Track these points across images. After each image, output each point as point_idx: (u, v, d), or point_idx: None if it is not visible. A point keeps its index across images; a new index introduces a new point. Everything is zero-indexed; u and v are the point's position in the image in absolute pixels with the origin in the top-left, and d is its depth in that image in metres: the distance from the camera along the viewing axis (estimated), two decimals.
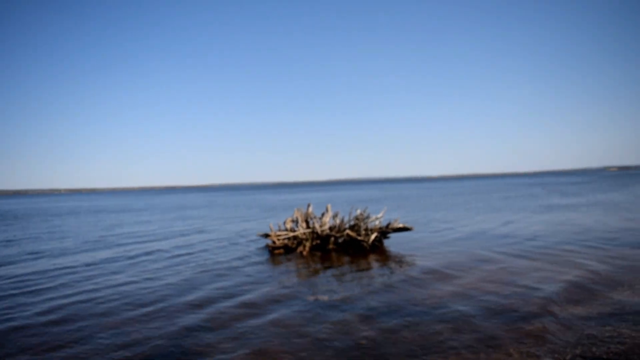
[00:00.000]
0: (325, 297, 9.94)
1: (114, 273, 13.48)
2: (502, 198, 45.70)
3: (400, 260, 14.11)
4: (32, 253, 18.23)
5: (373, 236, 16.25)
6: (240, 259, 15.30)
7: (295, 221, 17.40)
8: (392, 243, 17.33)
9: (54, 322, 8.73)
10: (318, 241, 16.63)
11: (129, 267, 14.45)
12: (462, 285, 10.57)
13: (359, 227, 16.70)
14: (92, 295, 10.84)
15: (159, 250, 17.81)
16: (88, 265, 15.05)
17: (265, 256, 15.74)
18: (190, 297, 10.37)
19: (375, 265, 13.69)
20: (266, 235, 16.91)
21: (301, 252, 16.05)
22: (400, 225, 16.89)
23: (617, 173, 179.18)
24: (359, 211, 17.25)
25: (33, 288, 11.78)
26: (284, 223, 17.57)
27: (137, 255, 16.72)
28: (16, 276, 13.46)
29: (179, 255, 16.41)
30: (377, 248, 16.45)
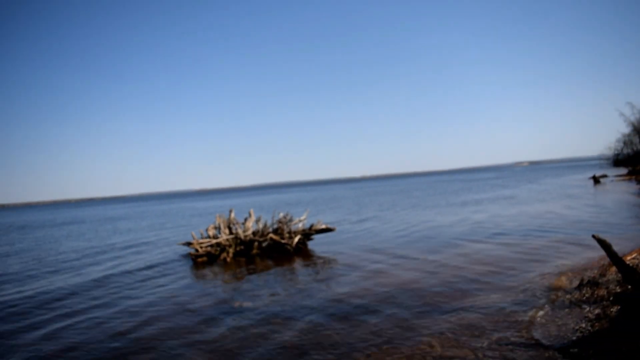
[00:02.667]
0: (249, 303, 9.91)
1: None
2: (428, 196, 48.00)
3: (322, 261, 14.39)
4: None
5: (296, 239, 16.41)
6: (162, 269, 14.76)
7: (218, 228, 17.11)
8: (316, 244, 17.61)
9: None
10: (242, 247, 16.50)
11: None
12: (378, 283, 11.02)
13: (283, 230, 16.79)
14: None
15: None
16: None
17: (188, 264, 15.34)
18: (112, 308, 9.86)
19: (298, 266, 13.85)
20: (188, 244, 16.47)
21: (225, 259, 15.83)
22: (323, 227, 17.21)
23: (528, 167, 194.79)
24: (281, 214, 17.34)
25: None
26: (206, 230, 17.22)
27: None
28: None
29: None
30: (302, 250, 16.64)
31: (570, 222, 18.38)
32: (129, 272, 14.73)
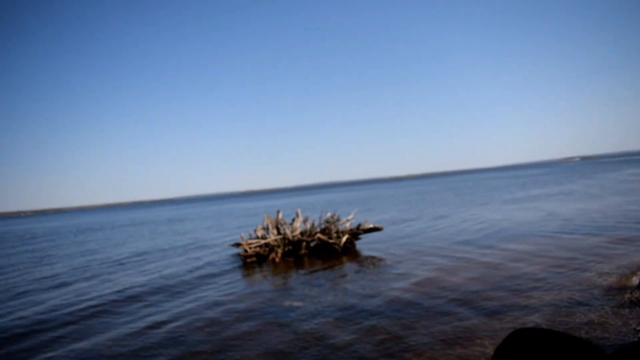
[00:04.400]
0: (299, 303, 9.94)
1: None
2: (483, 193, 46.73)
3: (371, 260, 14.25)
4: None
5: (344, 238, 16.35)
6: (213, 269, 15.09)
7: (266, 228, 17.32)
8: (364, 243, 17.47)
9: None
10: (290, 247, 16.60)
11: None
12: (422, 282, 10.77)
13: (330, 230, 16.77)
14: None
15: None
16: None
17: (238, 265, 15.60)
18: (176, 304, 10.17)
19: (347, 266, 13.77)
20: (238, 245, 16.76)
21: (274, 259, 15.98)
22: (371, 226, 17.06)
23: (580, 163, 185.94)
24: (329, 214, 17.33)
25: None
26: (255, 231, 17.46)
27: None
28: None
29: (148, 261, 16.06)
30: (349, 249, 16.56)
31: (631, 219, 17.33)
32: (183, 272, 15.14)
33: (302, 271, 13.73)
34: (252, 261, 16.06)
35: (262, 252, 16.27)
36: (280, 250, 16.25)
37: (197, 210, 75.08)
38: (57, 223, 79.09)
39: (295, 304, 9.91)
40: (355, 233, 17.03)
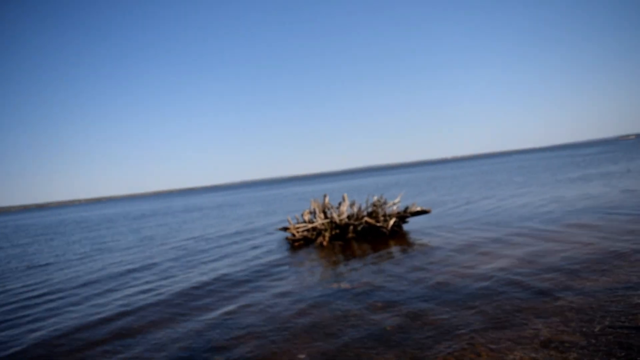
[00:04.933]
0: (347, 285, 9.97)
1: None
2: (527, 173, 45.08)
3: (419, 243, 14.05)
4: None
5: (392, 222, 16.20)
6: (262, 252, 15.39)
7: (313, 212, 17.43)
8: (411, 226, 17.26)
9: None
10: (337, 231, 16.64)
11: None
12: (482, 265, 10.48)
13: (377, 213, 16.67)
14: None
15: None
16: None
17: (286, 249, 15.82)
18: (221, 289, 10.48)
19: (395, 250, 13.65)
20: (285, 229, 16.99)
21: (321, 243, 16.09)
22: (418, 209, 16.80)
23: (636, 140, 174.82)
24: (375, 198, 17.21)
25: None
26: (302, 215, 17.63)
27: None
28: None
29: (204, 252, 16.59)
30: (397, 233, 16.40)
31: None
32: (236, 256, 15.54)
33: (349, 254, 13.74)
34: (300, 245, 16.25)
35: (309, 236, 16.43)
36: (327, 234, 16.33)
37: (245, 196, 76.73)
38: (112, 210, 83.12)
39: (344, 286, 9.94)
40: (403, 216, 16.83)
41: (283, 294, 9.86)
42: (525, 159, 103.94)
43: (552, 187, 27.10)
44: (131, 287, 12.33)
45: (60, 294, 12.24)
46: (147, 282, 12.67)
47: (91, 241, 26.25)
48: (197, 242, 20.15)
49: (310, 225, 16.41)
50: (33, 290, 13.24)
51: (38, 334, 8.82)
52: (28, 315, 10.34)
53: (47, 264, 18.30)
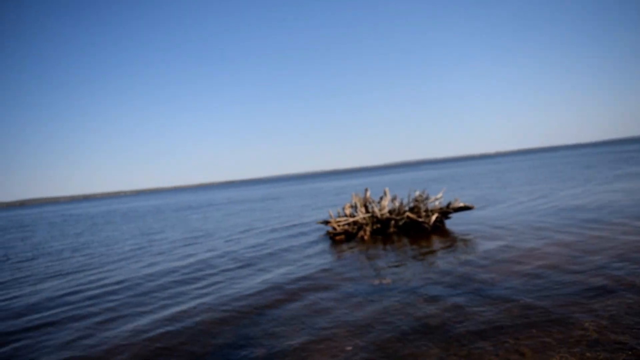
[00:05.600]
0: (388, 280, 10.04)
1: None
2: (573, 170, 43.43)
3: (462, 239, 13.91)
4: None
5: (434, 217, 16.08)
6: (303, 246, 15.65)
7: (354, 206, 17.53)
8: (454, 222, 17.07)
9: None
10: (378, 225, 16.68)
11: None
12: (529, 262, 10.30)
13: (419, 208, 16.59)
14: None
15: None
16: None
17: (327, 243, 16.01)
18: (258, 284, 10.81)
19: (437, 245, 13.58)
20: (326, 222, 17.17)
21: (362, 237, 16.18)
22: (462, 205, 16.59)
23: None
24: (417, 193, 17.12)
25: None
26: (343, 209, 17.75)
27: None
28: None
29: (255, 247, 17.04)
30: (439, 229, 16.28)
31: None
32: (273, 248, 15.89)
33: (390, 249, 13.78)
34: (341, 239, 16.39)
35: (350, 229, 16.54)
36: (368, 229, 16.40)
37: (287, 189, 77.60)
38: (158, 202, 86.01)
39: (385, 281, 10.02)
40: (445, 212, 16.68)
41: (323, 288, 10.04)
42: (569, 154, 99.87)
43: (610, 183, 26.04)
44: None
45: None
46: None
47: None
48: (243, 234, 20.68)
49: (351, 219, 16.52)
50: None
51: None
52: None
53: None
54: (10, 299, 11.95)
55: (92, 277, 13.74)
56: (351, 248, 14.65)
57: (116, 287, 12.12)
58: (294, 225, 21.87)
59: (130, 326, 8.57)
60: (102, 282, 12.86)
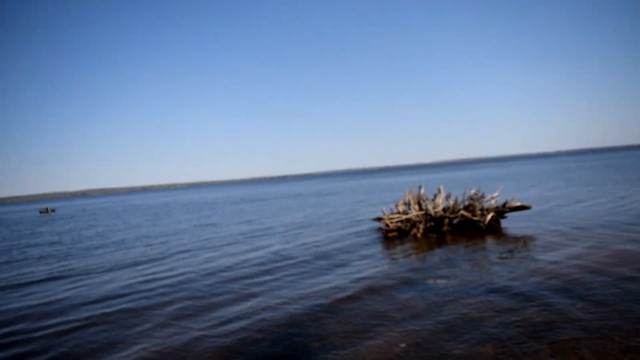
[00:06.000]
0: (442, 280, 10.04)
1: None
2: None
3: (519, 240, 13.58)
4: None
5: (489, 216, 15.78)
6: (356, 242, 15.84)
7: (408, 204, 17.47)
8: (510, 222, 16.66)
9: None
10: (432, 223, 16.56)
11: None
12: (589, 264, 9.97)
13: (474, 207, 16.32)
14: None
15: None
16: None
17: (380, 239, 16.10)
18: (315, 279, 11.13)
19: (493, 246, 13.34)
20: (379, 219, 17.24)
21: (415, 235, 16.12)
22: (518, 204, 16.17)
23: None
24: (472, 191, 16.84)
25: None
26: (396, 206, 17.74)
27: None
28: None
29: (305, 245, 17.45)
30: (494, 228, 15.95)
31: None
32: (327, 244, 16.17)
33: (444, 248, 13.68)
34: (394, 236, 16.40)
35: (403, 227, 16.52)
36: (422, 226, 16.32)
37: (340, 185, 77.97)
38: (215, 195, 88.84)
39: (439, 280, 10.02)
40: (501, 211, 16.31)
41: (374, 286, 10.19)
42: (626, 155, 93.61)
43: None
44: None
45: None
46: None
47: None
48: (298, 230, 21.14)
49: (404, 217, 16.49)
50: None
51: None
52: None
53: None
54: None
55: (164, 267, 14.61)
56: (404, 245, 14.64)
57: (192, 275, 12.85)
58: (349, 222, 22.07)
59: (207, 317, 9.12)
60: (176, 272, 13.65)
